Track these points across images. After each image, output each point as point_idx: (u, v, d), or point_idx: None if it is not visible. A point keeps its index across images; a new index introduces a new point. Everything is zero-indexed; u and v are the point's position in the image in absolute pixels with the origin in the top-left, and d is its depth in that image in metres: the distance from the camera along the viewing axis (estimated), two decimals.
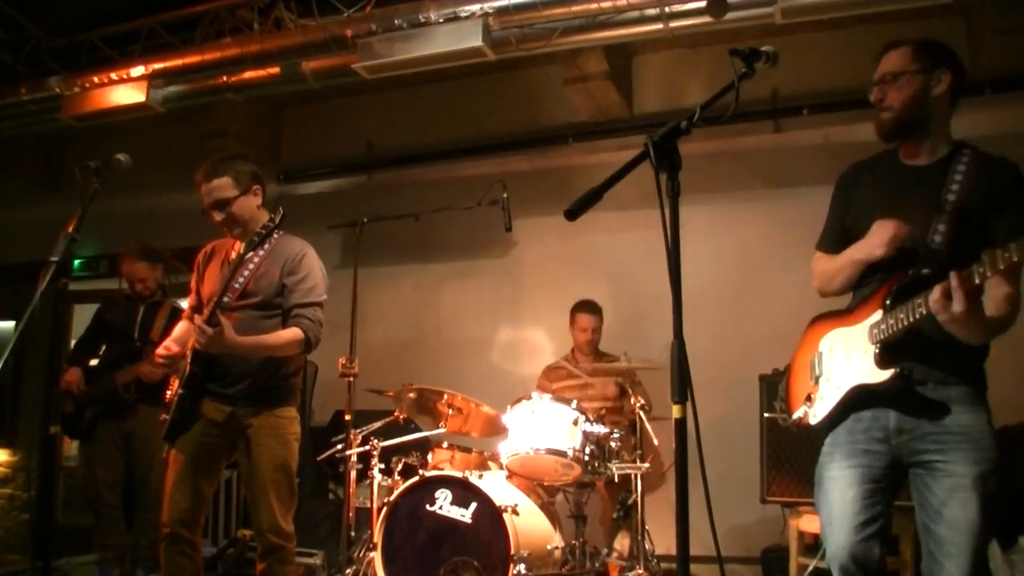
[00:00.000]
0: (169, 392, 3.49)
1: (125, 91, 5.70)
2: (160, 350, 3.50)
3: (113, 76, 5.76)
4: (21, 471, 7.31)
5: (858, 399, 2.38)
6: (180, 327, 3.65)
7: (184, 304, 3.85)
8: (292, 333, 3.35)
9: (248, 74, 5.54)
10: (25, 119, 6.26)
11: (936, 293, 2.09)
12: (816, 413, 2.49)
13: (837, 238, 2.61)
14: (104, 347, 5.02)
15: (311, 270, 3.47)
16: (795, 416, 2.58)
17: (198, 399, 3.36)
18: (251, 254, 3.34)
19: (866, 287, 2.47)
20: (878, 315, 2.32)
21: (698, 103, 2.00)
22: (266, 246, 3.38)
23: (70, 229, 2.79)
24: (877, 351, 2.31)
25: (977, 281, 2.03)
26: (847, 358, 2.42)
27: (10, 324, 7.58)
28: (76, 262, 7.19)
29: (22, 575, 6.05)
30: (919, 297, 2.17)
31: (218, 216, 3.39)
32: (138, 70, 5.67)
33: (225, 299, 3.28)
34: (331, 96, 6.57)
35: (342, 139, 6.79)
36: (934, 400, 2.31)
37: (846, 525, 2.36)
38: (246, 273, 3.35)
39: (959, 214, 2.32)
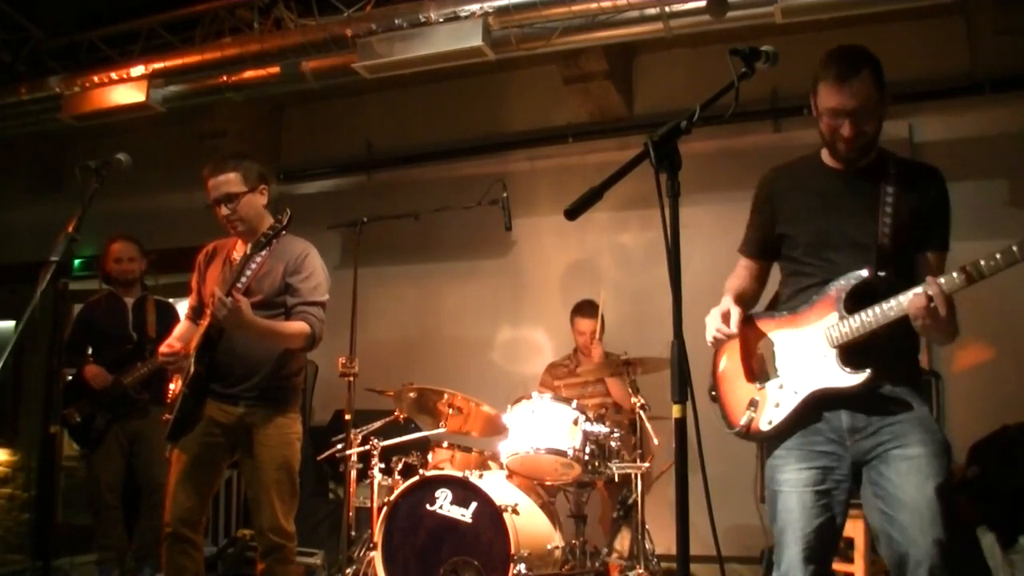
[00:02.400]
0: (171, 392, 3.50)
1: (125, 91, 5.70)
2: (163, 348, 3.49)
3: (113, 76, 5.76)
4: (21, 471, 7.31)
5: (818, 403, 2.38)
6: (181, 327, 3.66)
7: (184, 304, 3.84)
8: (299, 326, 3.38)
9: (248, 74, 5.54)
10: (25, 119, 6.26)
11: (921, 299, 2.15)
12: (770, 419, 2.44)
13: (761, 246, 2.66)
14: (92, 350, 4.98)
15: (314, 270, 3.50)
16: (741, 423, 2.50)
17: (201, 399, 3.38)
18: (254, 254, 3.34)
19: (804, 289, 2.48)
20: (833, 317, 2.36)
21: (698, 103, 2.00)
22: (269, 246, 3.38)
23: (70, 229, 2.79)
24: (838, 354, 2.34)
25: (965, 285, 2.12)
26: (802, 361, 2.42)
27: (10, 324, 7.58)
28: (76, 262, 7.18)
29: (22, 575, 6.05)
30: (886, 301, 2.24)
31: (224, 211, 3.40)
32: (138, 70, 5.67)
33: (228, 299, 3.27)
34: (331, 96, 6.57)
35: (342, 139, 6.79)
36: (891, 398, 2.34)
37: (803, 529, 2.34)
38: (248, 273, 3.34)
39: (898, 219, 2.37)
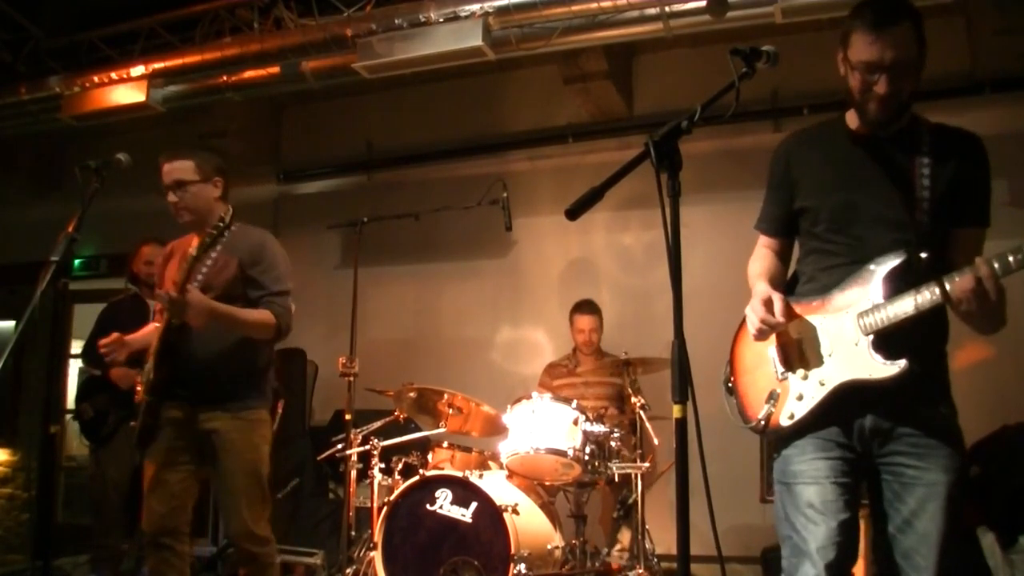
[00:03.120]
0: (136, 398, 3.42)
1: (125, 91, 5.70)
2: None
3: (113, 76, 5.76)
4: (21, 470, 7.31)
5: (846, 395, 2.16)
6: (147, 329, 3.58)
7: None
8: (264, 314, 3.29)
9: (248, 74, 5.54)
10: (25, 119, 6.26)
11: (969, 281, 1.93)
12: (791, 413, 2.22)
13: (783, 223, 2.43)
14: None
15: (274, 258, 3.43)
16: (759, 416, 2.28)
17: (163, 405, 3.30)
18: (207, 251, 3.30)
19: (828, 269, 2.28)
20: (866, 302, 2.15)
21: (698, 103, 2.00)
22: (222, 240, 3.34)
23: (70, 229, 2.80)
24: (872, 342, 2.12)
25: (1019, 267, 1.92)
26: (830, 350, 2.19)
27: (10, 324, 7.58)
28: (76, 262, 7.19)
29: (22, 575, 6.05)
30: (927, 285, 2.03)
31: (173, 197, 3.35)
32: (138, 70, 5.67)
33: None
34: (331, 96, 6.58)
35: (342, 139, 6.79)
36: (919, 396, 2.15)
37: (827, 526, 2.12)
38: (204, 269, 3.29)
39: (936, 192, 2.17)
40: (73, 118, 5.95)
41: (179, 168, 3.37)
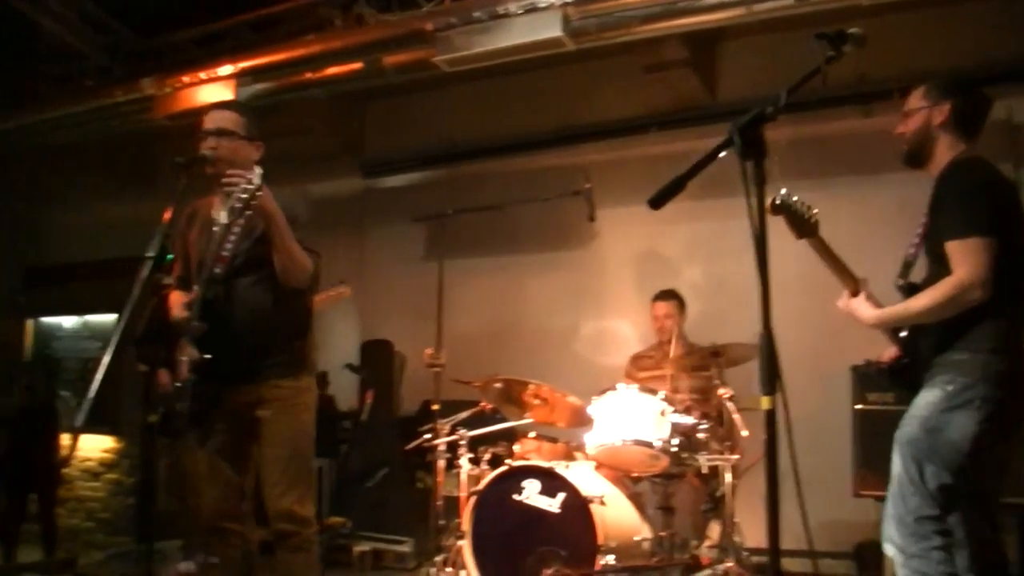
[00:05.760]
0: (165, 381, 3.31)
1: (214, 90, 5.84)
2: (177, 310, 3.19)
3: (202, 76, 5.91)
4: (125, 457, 7.62)
5: None
6: (173, 299, 3.33)
7: None
8: (306, 255, 3.15)
9: (331, 70, 5.61)
10: (120, 119, 6.51)
11: None
12: None
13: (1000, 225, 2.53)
14: (165, 348, 5.01)
15: (305, 220, 3.38)
16: None
17: (208, 383, 3.10)
18: (235, 220, 3.05)
19: None
20: None
21: (783, 89, 1.97)
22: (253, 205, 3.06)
23: (164, 224, 2.88)
24: None
25: None
26: None
27: (112, 317, 7.91)
28: (169, 257, 7.43)
29: (127, 556, 6.31)
30: None
31: (211, 143, 3.18)
32: (225, 69, 5.81)
33: (216, 270, 3.08)
34: (413, 90, 6.62)
35: (425, 132, 6.83)
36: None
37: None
38: (233, 238, 3.09)
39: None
40: (165, 118, 6.13)
41: (226, 117, 3.27)
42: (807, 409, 2.33)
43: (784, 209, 2.50)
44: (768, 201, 2.00)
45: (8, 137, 7.00)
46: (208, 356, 3.05)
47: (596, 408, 4.17)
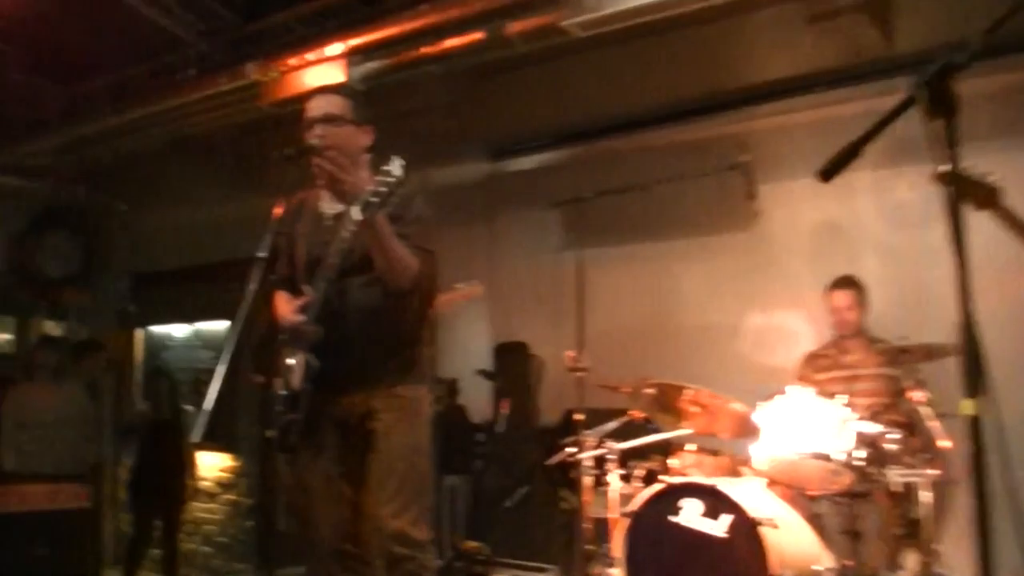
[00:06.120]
0: (276, 391, 3.32)
1: (323, 71, 5.99)
2: (289, 316, 3.28)
3: (309, 57, 6.09)
4: (243, 476, 7.96)
5: None
6: (280, 301, 3.42)
7: None
8: (407, 252, 3.17)
9: (449, 42, 5.67)
10: (225, 110, 6.81)
11: None
12: None
13: None
14: None
15: (422, 213, 3.35)
16: None
17: (319, 393, 3.22)
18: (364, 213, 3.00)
19: None
20: None
21: (978, 31, 1.87)
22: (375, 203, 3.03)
23: (275, 222, 3.02)
24: None
25: None
26: None
27: (225, 324, 8.30)
28: None
29: None
30: None
31: (318, 132, 3.25)
32: (334, 48, 5.95)
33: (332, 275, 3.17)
34: (541, 60, 6.60)
35: (556, 107, 6.82)
36: None
37: None
38: (347, 235, 3.13)
39: None
40: (272, 105, 6.36)
41: (332, 102, 3.34)
42: (1021, 414, 2.21)
43: (954, 179, 2.38)
44: (939, 169, 1.91)
45: (109, 137, 7.46)
46: (319, 363, 3.17)
47: (764, 415, 4.12)
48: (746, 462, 4.24)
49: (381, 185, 2.89)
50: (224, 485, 8.12)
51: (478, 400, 6.34)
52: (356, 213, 2.97)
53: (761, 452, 4.05)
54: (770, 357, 5.66)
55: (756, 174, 4.69)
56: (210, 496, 8.11)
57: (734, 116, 5.96)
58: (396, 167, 2.88)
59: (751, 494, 3.93)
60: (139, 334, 9.24)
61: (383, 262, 3.15)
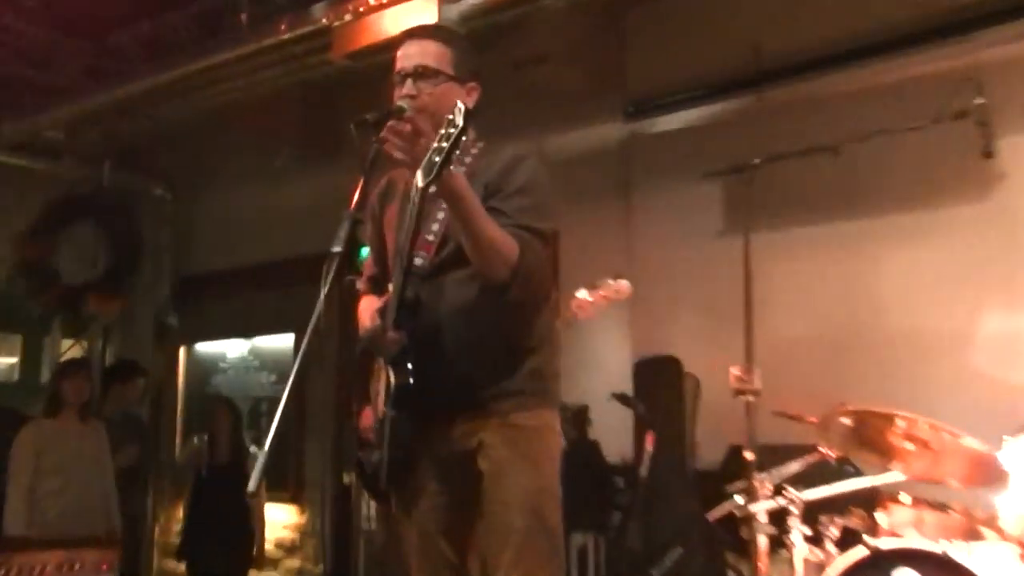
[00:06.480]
0: (367, 423, 3.38)
1: (410, 9, 5.97)
2: (368, 322, 3.28)
3: None
4: (311, 535, 8.01)
5: None
6: (364, 307, 3.45)
7: None
8: (507, 237, 3.10)
9: None
10: (289, 65, 6.88)
11: None
12: None
13: None
14: None
15: (533, 180, 3.27)
16: None
17: (412, 422, 3.19)
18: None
19: None
20: None
21: None
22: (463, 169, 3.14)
23: (352, 207, 2.89)
24: None
25: None
26: None
27: (287, 339, 8.32)
28: (363, 251, 7.71)
29: None
30: None
31: (409, 89, 3.27)
32: None
33: (418, 260, 3.18)
34: None
35: (713, 46, 6.77)
36: None
37: None
38: (440, 215, 3.20)
39: None
40: (347, 56, 6.39)
41: (430, 51, 3.33)
42: None
43: None
44: None
45: (143, 104, 7.54)
46: (410, 381, 3.10)
47: (1012, 455, 3.99)
48: (988, 520, 4.07)
49: (443, 139, 2.80)
50: (287, 548, 8.18)
51: (615, 433, 6.31)
52: (419, 179, 2.90)
53: (1011, 506, 3.93)
54: (1018, 374, 5.44)
55: (994, 124, 4.48)
56: (272, 563, 8.15)
57: (961, 45, 5.75)
58: (458, 113, 2.79)
59: (997, 565, 3.79)
60: (183, 353, 9.38)
61: (467, 243, 3.07)
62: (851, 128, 5.07)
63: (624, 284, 5.09)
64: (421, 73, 3.28)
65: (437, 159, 2.79)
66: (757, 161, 4.82)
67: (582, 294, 5.04)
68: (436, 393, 3.14)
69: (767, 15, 6.55)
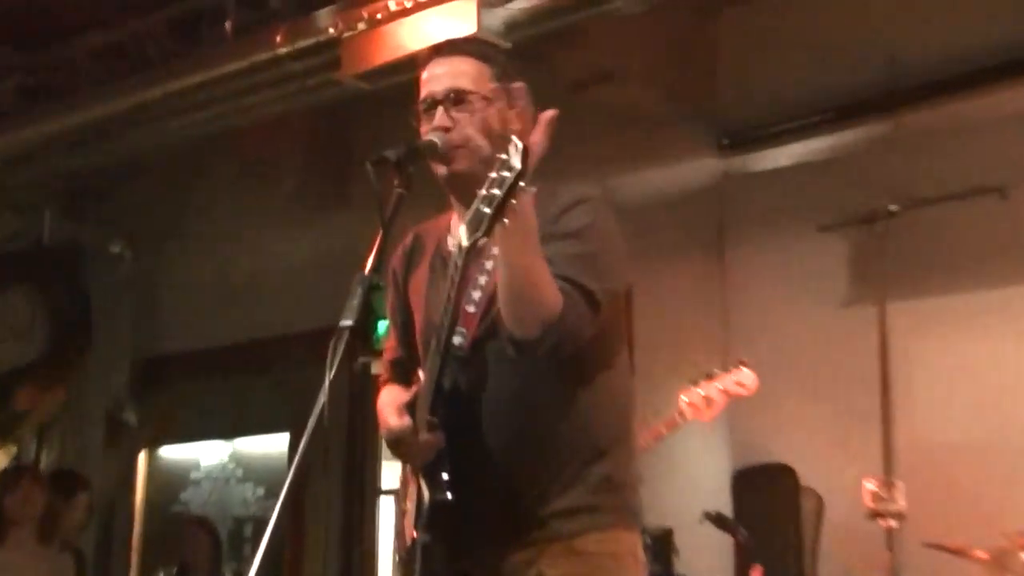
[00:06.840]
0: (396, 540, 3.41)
1: (440, 19, 5.96)
2: (393, 422, 3.27)
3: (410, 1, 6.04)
4: None
5: None
6: (386, 400, 3.46)
7: None
8: (554, 289, 3.02)
9: None
10: (285, 86, 6.86)
11: None
12: None
13: None
14: None
15: (591, 224, 3.22)
16: None
17: (450, 549, 3.21)
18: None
19: None
20: None
21: None
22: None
23: (367, 270, 2.84)
24: None
25: None
26: None
27: (281, 439, 8.23)
28: (380, 325, 7.62)
29: None
30: None
31: (442, 121, 3.25)
32: None
33: (457, 339, 3.16)
34: None
35: (833, 57, 6.75)
36: None
37: None
38: (482, 279, 3.20)
39: None
40: (359, 77, 6.39)
41: (465, 70, 3.32)
42: None
43: None
44: None
45: (97, 135, 7.53)
46: (448, 496, 3.09)
47: None
48: None
49: (494, 185, 2.72)
50: None
51: (708, 567, 6.27)
52: (463, 235, 2.84)
53: None
54: None
55: None
56: None
57: None
58: (513, 154, 2.69)
59: None
60: (144, 459, 9.32)
61: (502, 279, 3.02)
62: (1019, 163, 5.05)
63: (748, 376, 5.08)
64: (455, 98, 3.27)
65: (487, 210, 2.72)
66: (894, 208, 4.88)
67: (697, 391, 5.00)
68: (481, 511, 3.13)
69: (904, 16, 6.52)
